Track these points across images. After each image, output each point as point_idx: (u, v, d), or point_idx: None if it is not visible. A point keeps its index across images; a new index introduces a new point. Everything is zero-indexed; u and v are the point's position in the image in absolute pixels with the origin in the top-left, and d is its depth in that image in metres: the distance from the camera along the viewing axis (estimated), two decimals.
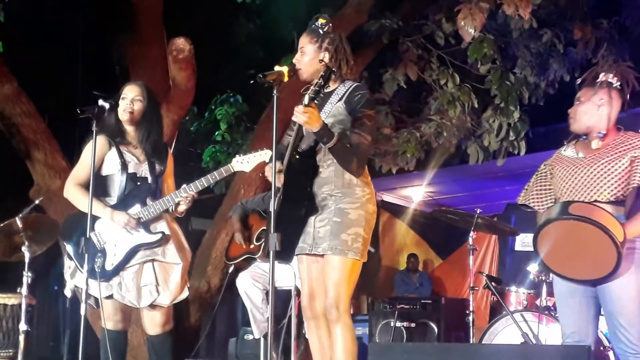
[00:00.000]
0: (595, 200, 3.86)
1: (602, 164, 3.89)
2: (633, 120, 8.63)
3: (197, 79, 7.49)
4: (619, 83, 4.05)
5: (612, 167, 3.87)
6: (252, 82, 3.85)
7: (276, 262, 3.57)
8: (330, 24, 4.09)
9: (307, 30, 4.13)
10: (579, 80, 4.24)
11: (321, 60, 3.95)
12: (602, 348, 5.58)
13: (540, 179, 4.19)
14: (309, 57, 4.04)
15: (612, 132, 4.00)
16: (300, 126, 3.84)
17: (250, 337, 7.00)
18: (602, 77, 4.06)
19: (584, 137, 4.07)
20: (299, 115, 3.71)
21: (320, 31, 4.05)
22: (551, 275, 4.44)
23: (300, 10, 8.00)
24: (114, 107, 4.42)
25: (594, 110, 3.98)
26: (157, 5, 7.75)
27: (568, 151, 4.12)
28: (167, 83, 7.48)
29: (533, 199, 4.18)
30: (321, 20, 4.09)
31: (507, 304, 6.32)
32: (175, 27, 7.75)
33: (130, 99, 4.53)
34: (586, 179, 3.91)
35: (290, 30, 8.13)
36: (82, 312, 4.05)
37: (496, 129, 7.90)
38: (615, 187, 3.84)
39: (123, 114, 4.52)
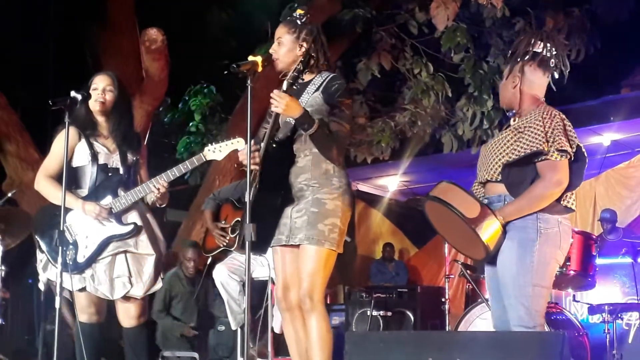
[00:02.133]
0: (487, 181, 3.76)
1: (496, 141, 3.76)
2: (604, 108, 8.74)
3: (170, 70, 7.46)
4: (540, 51, 3.81)
5: (500, 144, 3.71)
6: (225, 72, 3.84)
7: (251, 253, 3.57)
8: (308, 15, 4.08)
9: (285, 21, 4.12)
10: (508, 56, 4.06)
11: (301, 46, 3.95)
12: (576, 334, 5.63)
13: None
14: (286, 47, 4.02)
15: (529, 107, 3.78)
16: (277, 115, 3.83)
17: (223, 328, 7.00)
18: (518, 49, 3.84)
19: (509, 115, 3.95)
20: (277, 102, 3.70)
21: (299, 22, 4.04)
22: None
23: (273, 1, 7.99)
24: (86, 98, 4.37)
25: (510, 88, 3.83)
26: None
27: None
28: (140, 74, 7.45)
29: None
30: (300, 11, 4.08)
31: (482, 291, 6.34)
32: (148, 18, 7.71)
33: (102, 89, 4.49)
34: (483, 158, 3.81)
35: (263, 20, 8.11)
36: (57, 306, 4.02)
37: (470, 118, 7.94)
38: (500, 166, 3.68)
39: (95, 104, 4.47)
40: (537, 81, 3.82)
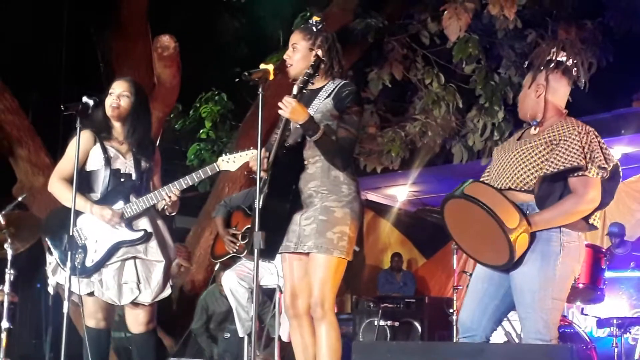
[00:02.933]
0: (509, 188, 3.65)
1: (522, 150, 3.66)
2: (615, 121, 8.73)
3: (182, 77, 7.47)
4: (564, 60, 3.82)
5: (529, 153, 3.63)
6: (237, 80, 3.86)
7: (260, 260, 3.57)
8: (324, 23, 4.10)
9: (300, 28, 4.14)
10: (526, 64, 3.97)
11: (311, 49, 3.97)
12: (584, 347, 5.60)
13: (488, 167, 4.00)
14: (301, 54, 4.04)
15: (553, 117, 3.74)
16: (287, 121, 3.85)
17: (228, 335, 7.02)
18: (540, 58, 3.89)
19: (532, 124, 3.84)
20: (284, 106, 3.72)
21: (314, 29, 4.06)
22: None
23: (285, 9, 8.01)
24: (99, 103, 4.38)
25: (533, 97, 3.77)
26: (142, 1, 7.72)
27: (513, 137, 3.94)
28: (152, 80, 7.46)
29: None
30: (316, 18, 4.11)
31: None
32: (160, 25, 7.73)
33: (117, 94, 4.50)
34: (505, 165, 3.71)
35: (275, 28, 8.13)
36: (65, 310, 4.02)
37: (480, 129, 7.93)
38: (528, 175, 3.61)
39: (109, 109, 4.49)
40: (561, 89, 3.78)
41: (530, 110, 3.79)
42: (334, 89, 4.00)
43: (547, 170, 3.55)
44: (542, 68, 3.78)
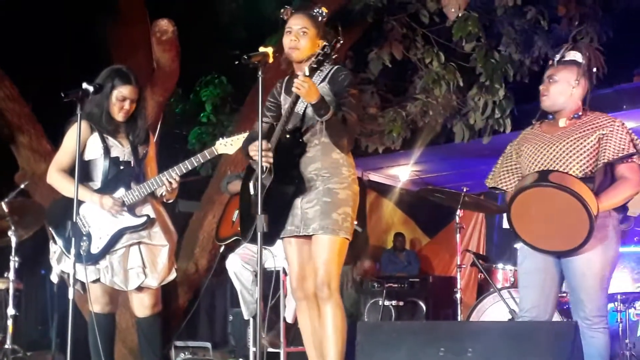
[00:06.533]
0: None
1: (571, 140, 3.95)
2: (617, 96, 8.70)
3: (181, 61, 7.45)
4: (586, 64, 4.14)
5: (581, 144, 3.92)
6: (236, 63, 3.85)
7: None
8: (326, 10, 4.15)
9: (307, 13, 4.12)
10: (557, 57, 4.17)
11: (318, 37, 4.02)
12: None
13: (507, 160, 4.24)
14: (310, 40, 4.04)
15: (577, 110, 4.07)
16: (293, 105, 3.86)
17: (231, 318, 7.04)
18: (573, 56, 4.11)
19: (550, 116, 4.14)
20: (300, 85, 3.72)
21: (320, 18, 4.09)
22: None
23: None
24: (98, 90, 4.37)
25: (568, 91, 4.03)
26: None
27: (535, 130, 4.19)
28: (151, 65, 7.43)
29: (501, 180, 4.22)
30: (324, 10, 4.13)
31: (494, 281, 6.34)
32: (157, 9, 7.70)
33: (130, 100, 4.50)
34: (555, 155, 3.95)
35: (273, 10, 8.08)
36: (70, 296, 4.04)
37: (482, 107, 7.90)
38: (584, 164, 3.89)
39: (121, 112, 4.49)
40: (587, 89, 4.10)
41: (564, 103, 4.05)
42: (328, 73, 4.04)
43: (605, 159, 3.87)
44: (578, 66, 4.06)
